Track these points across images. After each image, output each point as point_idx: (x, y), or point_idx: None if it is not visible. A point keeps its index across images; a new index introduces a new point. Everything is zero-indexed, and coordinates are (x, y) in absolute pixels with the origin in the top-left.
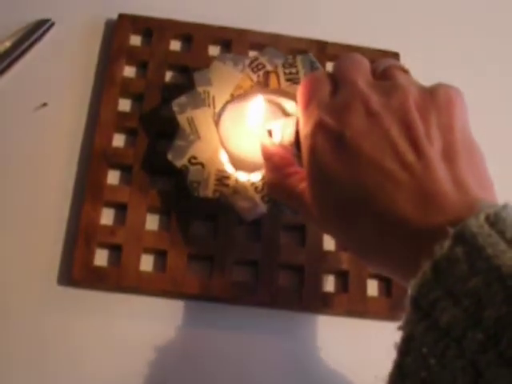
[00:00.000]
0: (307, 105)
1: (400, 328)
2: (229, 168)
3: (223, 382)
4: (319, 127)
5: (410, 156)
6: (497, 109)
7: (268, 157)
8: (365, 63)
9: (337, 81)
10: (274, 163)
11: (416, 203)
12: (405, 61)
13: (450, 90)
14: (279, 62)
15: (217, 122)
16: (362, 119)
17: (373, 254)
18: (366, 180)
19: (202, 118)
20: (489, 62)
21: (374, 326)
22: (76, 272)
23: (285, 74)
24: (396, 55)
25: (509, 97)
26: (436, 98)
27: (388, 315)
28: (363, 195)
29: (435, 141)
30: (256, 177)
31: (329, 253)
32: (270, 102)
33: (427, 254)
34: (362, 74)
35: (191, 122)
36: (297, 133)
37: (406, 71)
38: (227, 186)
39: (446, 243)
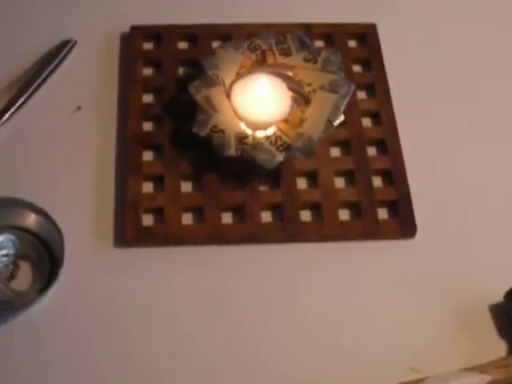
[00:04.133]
0: None
1: None
2: (246, 129)
3: (273, 319)
4: None
5: None
6: (476, 77)
7: None
8: None
9: None
10: None
11: None
12: (381, 31)
13: None
14: (272, 41)
15: (229, 96)
16: None
17: None
18: None
19: (216, 94)
20: (466, 30)
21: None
22: (128, 233)
23: (278, 50)
24: (373, 26)
25: (485, 65)
26: None
27: (398, 234)
28: None
29: None
30: (269, 132)
31: (340, 189)
32: (271, 72)
33: None
34: None
35: (207, 99)
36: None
37: None
38: (246, 144)
39: None
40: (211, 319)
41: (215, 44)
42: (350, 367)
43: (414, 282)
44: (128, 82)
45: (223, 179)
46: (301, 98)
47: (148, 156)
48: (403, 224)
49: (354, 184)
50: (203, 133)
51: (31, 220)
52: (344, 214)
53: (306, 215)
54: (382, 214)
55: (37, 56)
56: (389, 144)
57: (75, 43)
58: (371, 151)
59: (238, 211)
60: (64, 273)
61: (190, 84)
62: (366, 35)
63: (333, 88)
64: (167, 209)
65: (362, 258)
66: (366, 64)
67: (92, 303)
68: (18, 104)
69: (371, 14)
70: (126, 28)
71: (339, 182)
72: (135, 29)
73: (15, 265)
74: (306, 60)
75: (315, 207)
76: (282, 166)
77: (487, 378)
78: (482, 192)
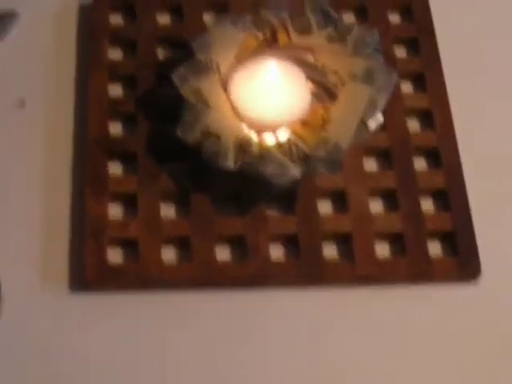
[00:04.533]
0: None
1: None
2: (249, 133)
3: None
4: None
5: None
6: None
7: None
8: None
9: None
10: None
11: None
12: (434, 1)
13: None
14: (285, 13)
15: (226, 88)
16: None
17: None
18: None
19: (209, 85)
20: None
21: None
22: (89, 274)
23: (294, 25)
24: None
25: None
26: None
27: (456, 275)
28: None
29: None
30: (282, 137)
31: (378, 216)
32: (284, 56)
33: None
34: None
35: (197, 92)
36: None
37: None
38: (250, 153)
39: None
40: None
41: (207, 17)
42: None
43: (478, 340)
44: (89, 69)
45: (218, 201)
46: (324, 92)
47: (116, 168)
48: (463, 263)
49: (397, 208)
50: (191, 137)
51: None
52: (383, 249)
53: (330, 250)
54: (434, 248)
55: None
56: (443, 154)
57: (17, 16)
58: (420, 164)
59: (238, 244)
60: (1, 325)
61: (173, 71)
62: (413, 6)
63: (368, 78)
64: (142, 240)
65: (408, 308)
66: (412, 45)
67: (40, 366)
68: None
69: None
70: None
71: (376, 206)
72: None
73: None
74: (331, 39)
75: (343, 239)
76: (298, 184)
77: None
78: None
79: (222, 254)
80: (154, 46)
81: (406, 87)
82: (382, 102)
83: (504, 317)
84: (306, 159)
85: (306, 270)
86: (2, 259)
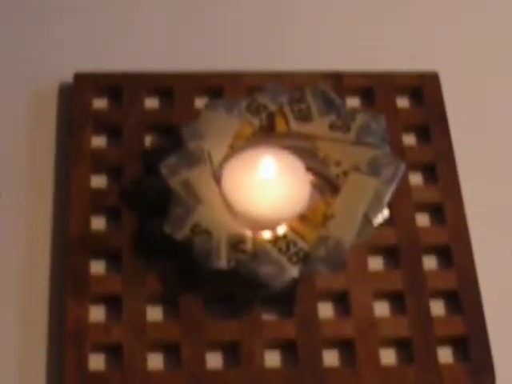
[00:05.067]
0: None
1: None
2: (243, 230)
3: None
4: None
5: None
6: None
7: None
8: None
9: None
10: None
11: None
12: (446, 84)
13: None
14: (284, 99)
15: (218, 180)
16: None
17: None
18: None
19: (200, 177)
20: None
21: None
22: (69, 382)
23: (293, 111)
24: (433, 76)
25: None
26: None
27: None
28: None
29: None
30: (278, 234)
31: (382, 320)
32: (282, 146)
33: None
34: None
35: (187, 184)
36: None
37: None
38: (244, 251)
39: None
40: None
41: (199, 102)
42: None
43: None
44: (70, 158)
45: (209, 303)
46: (325, 184)
47: (98, 266)
48: (475, 371)
49: (404, 311)
50: (180, 234)
51: None
52: (388, 356)
53: (331, 357)
54: (445, 355)
55: None
56: (455, 252)
57: None
58: (429, 262)
59: (231, 350)
60: None
61: (161, 161)
62: (424, 89)
63: (373, 169)
64: (127, 345)
65: None
66: (423, 132)
67: None
68: None
69: (431, 57)
70: (68, 77)
71: (381, 309)
72: (81, 78)
73: None
74: (333, 127)
75: (346, 345)
76: (296, 284)
77: None
78: None
79: (214, 361)
80: (142, 132)
81: (416, 178)
82: (387, 195)
83: None
84: (305, 258)
85: (305, 380)
86: None
